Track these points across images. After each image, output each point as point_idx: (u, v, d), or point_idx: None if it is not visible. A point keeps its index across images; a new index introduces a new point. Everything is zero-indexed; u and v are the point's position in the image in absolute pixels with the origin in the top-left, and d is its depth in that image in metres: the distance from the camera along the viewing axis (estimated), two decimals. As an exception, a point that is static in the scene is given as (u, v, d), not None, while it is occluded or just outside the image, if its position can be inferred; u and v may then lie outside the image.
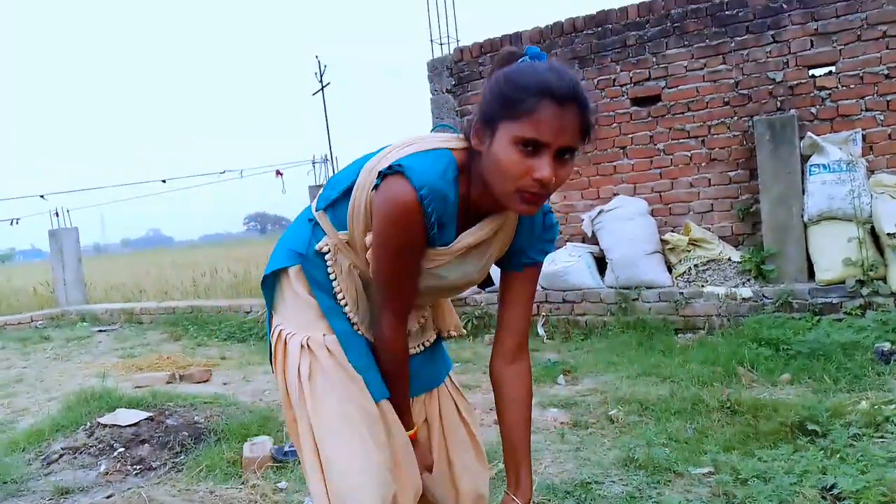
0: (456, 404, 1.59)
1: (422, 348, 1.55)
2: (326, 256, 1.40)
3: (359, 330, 1.42)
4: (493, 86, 1.20)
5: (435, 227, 1.25)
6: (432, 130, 1.44)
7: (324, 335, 1.39)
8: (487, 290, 2.01)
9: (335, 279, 1.40)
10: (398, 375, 1.42)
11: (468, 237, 1.33)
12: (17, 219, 9.90)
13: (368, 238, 1.33)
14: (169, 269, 15.93)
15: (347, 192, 1.37)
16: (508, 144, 1.15)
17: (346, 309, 1.41)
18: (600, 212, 5.77)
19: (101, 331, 8.36)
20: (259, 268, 10.33)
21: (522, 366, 1.48)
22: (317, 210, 1.44)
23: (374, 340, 1.42)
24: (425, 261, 1.33)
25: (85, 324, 8.89)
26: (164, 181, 10.11)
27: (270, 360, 1.48)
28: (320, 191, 1.48)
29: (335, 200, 1.40)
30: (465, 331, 1.65)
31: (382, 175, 1.25)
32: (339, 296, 1.41)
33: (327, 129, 17.41)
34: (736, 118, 5.51)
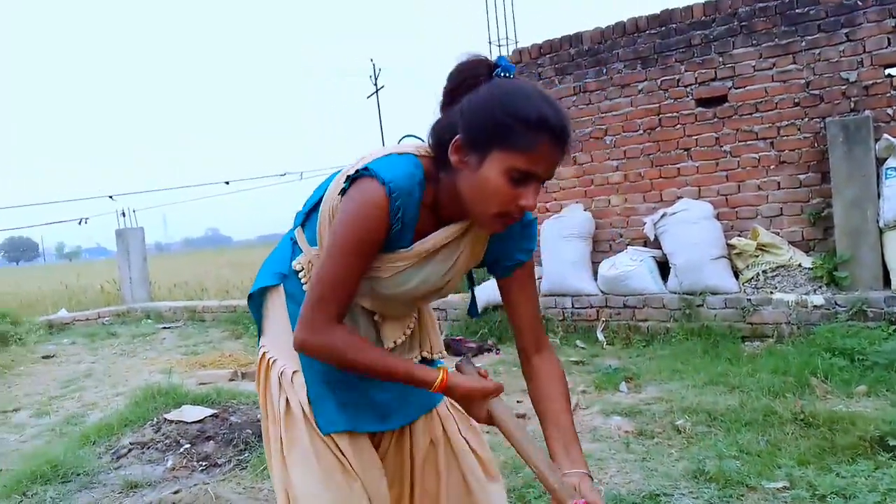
0: (456, 422, 1.56)
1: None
2: (300, 274, 1.42)
3: None
4: (486, 109, 1.18)
5: (399, 224, 1.25)
6: (399, 141, 1.43)
7: (294, 371, 1.40)
8: (475, 317, 1.94)
9: None
10: (364, 352, 1.30)
11: (428, 241, 1.32)
12: (86, 218, 10.26)
13: None
14: (228, 269, 16.29)
15: (317, 206, 1.39)
16: (500, 174, 1.17)
17: None
18: (663, 215, 5.64)
19: (165, 328, 8.59)
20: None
21: (546, 359, 1.45)
22: (294, 228, 1.47)
23: (296, 343, 1.32)
24: (385, 267, 1.32)
25: (150, 321, 9.15)
26: (227, 183, 10.34)
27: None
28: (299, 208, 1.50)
29: (307, 214, 1.43)
30: (445, 353, 1.61)
31: (351, 179, 1.26)
32: None
33: (381, 132, 17.57)
34: (807, 119, 5.32)
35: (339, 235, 1.25)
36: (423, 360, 1.53)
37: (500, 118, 1.16)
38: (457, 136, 1.21)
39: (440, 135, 1.27)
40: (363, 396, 1.42)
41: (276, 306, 1.47)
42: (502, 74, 1.24)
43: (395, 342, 1.46)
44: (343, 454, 1.38)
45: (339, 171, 1.40)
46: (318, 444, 1.38)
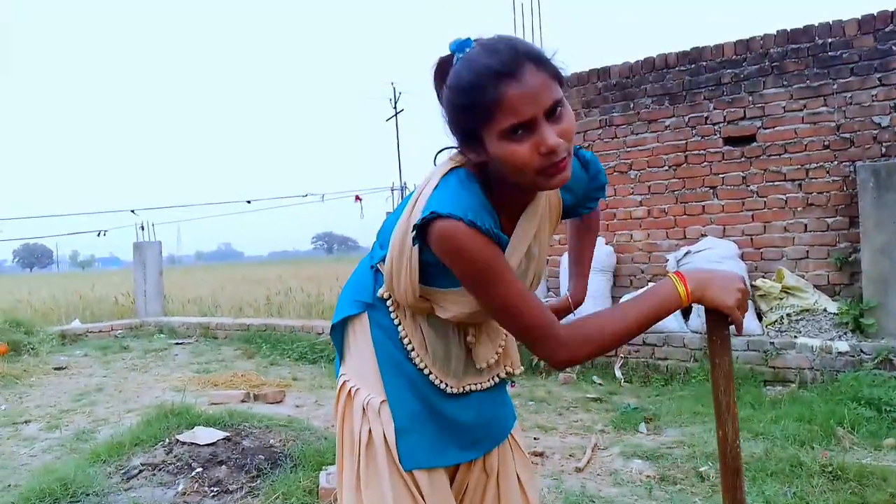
0: (515, 461, 1.51)
1: (493, 382, 1.46)
2: (388, 302, 1.37)
3: (430, 374, 1.36)
4: (447, 104, 1.19)
5: (498, 234, 1.19)
6: (436, 157, 1.38)
7: (381, 401, 1.35)
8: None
9: (399, 324, 1.37)
10: (612, 321, 1.22)
11: (523, 230, 1.30)
12: (105, 231, 10.30)
13: (413, 291, 1.29)
14: (242, 285, 16.28)
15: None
16: (501, 142, 1.13)
17: (413, 354, 1.36)
18: (687, 252, 5.58)
19: (177, 343, 8.56)
20: (332, 290, 10.44)
21: (593, 219, 1.66)
22: (374, 259, 1.43)
23: (563, 365, 1.26)
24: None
25: (162, 335, 9.12)
26: (249, 202, 10.36)
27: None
28: (374, 240, 1.46)
29: (383, 245, 1.40)
30: (521, 367, 1.55)
31: (418, 228, 1.20)
32: (405, 341, 1.36)
33: (398, 156, 17.63)
34: (836, 163, 5.26)
35: (473, 277, 1.19)
36: (506, 376, 1.49)
37: (459, 101, 1.15)
38: (457, 143, 1.23)
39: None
40: (450, 424, 1.38)
41: (360, 334, 1.41)
42: (457, 58, 1.18)
43: (487, 362, 1.41)
44: (420, 493, 1.33)
45: (407, 199, 1.33)
46: (396, 480, 1.32)
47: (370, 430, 1.34)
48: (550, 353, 1.21)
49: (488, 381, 1.45)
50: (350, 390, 1.39)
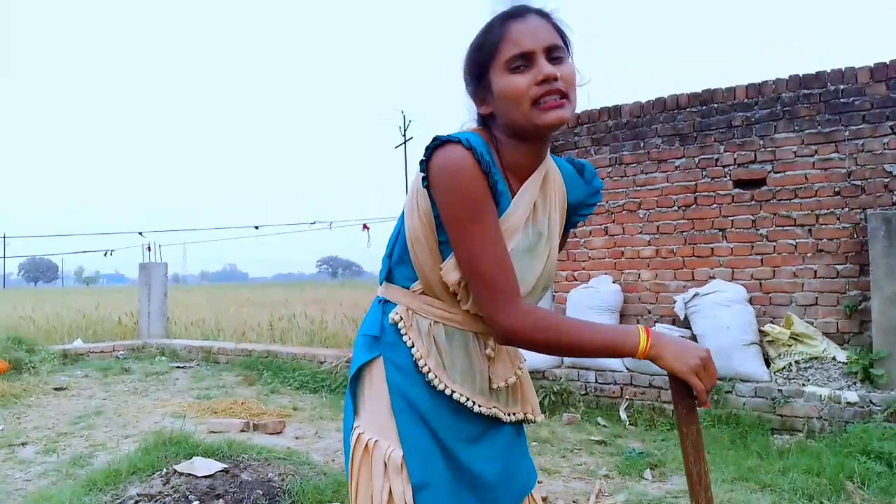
0: None
1: (513, 418, 1.42)
2: (399, 325, 1.34)
3: (453, 393, 1.32)
4: (465, 58, 1.31)
5: (492, 176, 1.22)
6: None
7: (402, 455, 1.30)
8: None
9: (413, 346, 1.32)
10: (573, 323, 1.24)
11: (525, 190, 1.31)
12: (112, 250, 10.31)
13: (434, 254, 1.29)
14: (246, 308, 16.24)
15: (399, 241, 1.36)
16: (503, 75, 1.23)
17: (431, 376, 1.31)
18: (695, 295, 5.53)
19: (178, 367, 8.51)
20: (335, 317, 10.40)
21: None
22: (380, 285, 1.41)
23: (508, 342, 1.27)
24: (505, 239, 1.27)
25: (164, 358, 9.08)
26: (256, 227, 10.38)
27: (347, 461, 1.38)
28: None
29: (391, 255, 1.39)
30: (542, 415, 1.51)
31: (424, 161, 1.24)
32: (421, 363, 1.31)
33: (406, 184, 17.70)
34: (847, 209, 5.23)
35: (456, 209, 1.21)
36: (525, 421, 1.46)
37: (472, 49, 1.29)
38: (471, 93, 1.32)
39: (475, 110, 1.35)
40: (471, 478, 1.33)
41: (375, 380, 1.36)
42: None
43: (505, 381, 1.38)
44: None
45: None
46: None
47: (391, 489, 1.29)
48: (499, 318, 1.23)
49: (508, 415, 1.40)
50: (367, 443, 1.33)
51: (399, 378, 1.33)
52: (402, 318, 1.34)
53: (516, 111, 1.23)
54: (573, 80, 1.25)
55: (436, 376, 1.32)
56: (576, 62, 1.31)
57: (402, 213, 1.37)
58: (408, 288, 1.35)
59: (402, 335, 1.34)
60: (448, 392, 1.32)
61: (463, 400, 1.33)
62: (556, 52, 1.23)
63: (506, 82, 1.22)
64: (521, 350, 1.42)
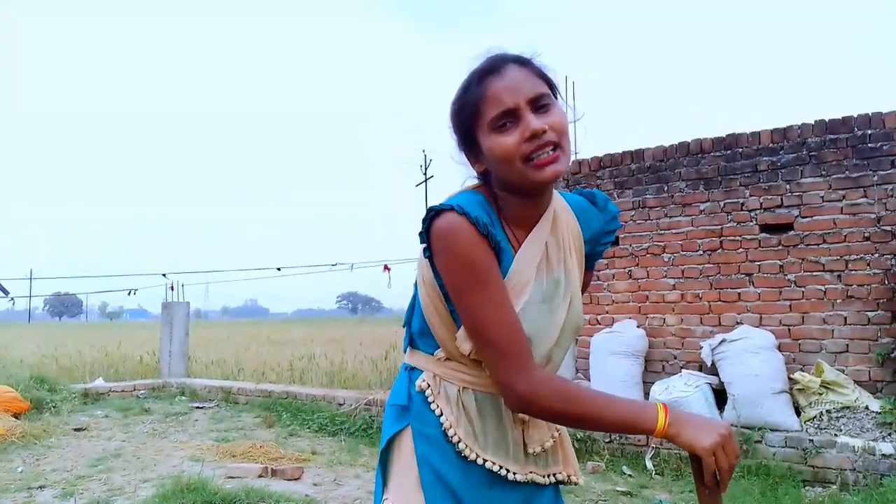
0: None
1: (551, 480, 1.35)
2: (427, 393, 1.30)
3: (485, 462, 1.27)
4: (449, 118, 1.28)
5: (492, 236, 1.19)
6: None
7: None
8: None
9: (442, 415, 1.28)
10: (590, 394, 1.19)
11: (533, 242, 1.27)
12: (135, 290, 10.40)
13: (446, 321, 1.27)
14: (266, 346, 16.24)
15: (417, 310, 1.34)
16: (490, 135, 1.19)
17: (462, 446, 1.26)
18: (722, 341, 5.42)
19: (198, 407, 8.48)
20: (355, 357, 10.35)
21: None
22: (405, 353, 1.38)
23: (522, 411, 1.22)
24: (515, 296, 1.23)
25: (184, 398, 9.06)
26: (278, 269, 10.42)
27: None
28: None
29: (410, 323, 1.36)
30: (582, 477, 1.45)
31: (423, 233, 1.23)
32: (450, 433, 1.27)
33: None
34: (877, 255, 5.13)
35: (456, 276, 1.19)
36: (566, 482, 1.41)
37: (455, 110, 1.25)
38: (463, 155, 1.30)
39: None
40: None
41: (404, 451, 1.31)
42: None
43: (542, 446, 1.33)
44: None
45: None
46: None
47: None
48: (512, 384, 1.17)
49: (546, 476, 1.34)
50: None
51: (428, 449, 1.28)
52: (429, 386, 1.31)
53: (509, 171, 1.20)
54: (563, 126, 1.20)
55: (466, 445, 1.27)
56: (566, 100, 1.31)
57: (416, 282, 1.35)
58: (432, 354, 1.32)
59: (430, 403, 1.30)
60: (480, 461, 1.27)
61: (496, 469, 1.28)
62: (542, 100, 1.19)
63: (493, 143, 1.19)
64: None
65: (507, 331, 1.17)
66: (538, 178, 1.18)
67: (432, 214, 1.20)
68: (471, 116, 1.22)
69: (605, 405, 1.17)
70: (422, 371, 1.33)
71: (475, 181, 1.33)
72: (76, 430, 7.05)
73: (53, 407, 7.82)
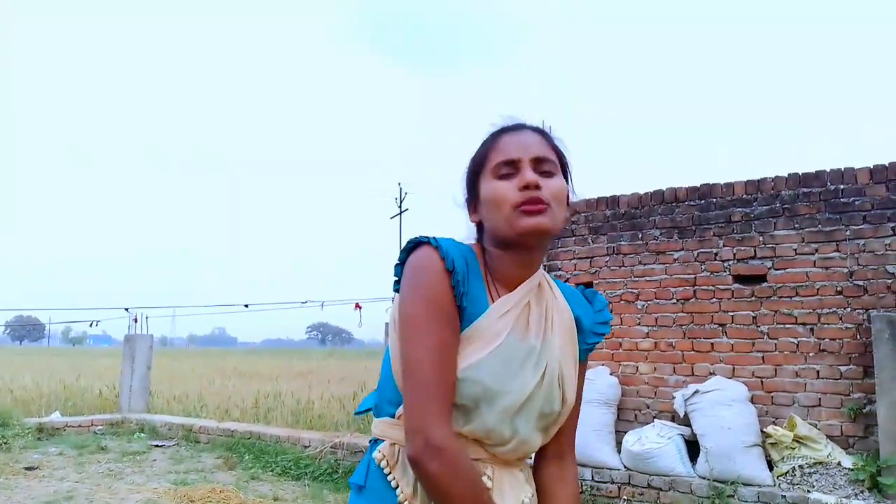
0: None
1: None
2: (382, 465, 1.23)
3: None
4: (463, 173, 1.32)
5: (458, 273, 1.17)
6: None
7: None
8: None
9: (398, 488, 1.20)
10: (466, 496, 1.11)
11: (513, 297, 1.25)
12: (97, 321, 10.11)
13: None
14: (231, 379, 15.91)
15: (384, 362, 1.30)
16: (490, 181, 1.23)
17: None
18: (696, 392, 5.37)
19: (157, 445, 8.20)
20: (322, 397, 10.14)
21: (569, 468, 1.38)
22: (373, 426, 1.31)
23: (417, 463, 1.12)
24: (475, 347, 1.18)
25: (143, 435, 8.77)
26: (246, 306, 10.24)
27: None
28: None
29: (382, 383, 1.30)
30: None
31: (398, 265, 1.25)
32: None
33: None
34: (850, 309, 5.14)
35: (409, 307, 1.17)
36: None
37: (469, 162, 1.31)
38: (465, 203, 1.33)
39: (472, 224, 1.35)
40: None
41: None
42: None
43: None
44: None
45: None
46: None
47: None
48: (429, 427, 1.11)
49: None
50: None
51: None
52: (384, 457, 1.23)
53: (498, 215, 1.21)
54: (560, 194, 1.22)
55: None
56: (573, 183, 1.30)
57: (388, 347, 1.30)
58: (393, 416, 1.24)
59: (387, 475, 1.22)
60: None
61: None
62: (545, 164, 1.23)
63: (490, 187, 1.23)
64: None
65: (440, 376, 1.13)
66: (521, 225, 1.18)
67: (410, 246, 1.22)
68: (478, 164, 1.28)
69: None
70: (381, 442, 1.27)
71: (471, 240, 1.35)
72: (27, 468, 6.75)
73: (5, 443, 7.51)
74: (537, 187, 1.19)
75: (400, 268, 1.24)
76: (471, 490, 1.12)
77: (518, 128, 1.28)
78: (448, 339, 1.15)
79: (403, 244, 1.25)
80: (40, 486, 6.15)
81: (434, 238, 1.21)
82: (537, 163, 1.22)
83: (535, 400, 1.23)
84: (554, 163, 1.25)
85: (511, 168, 1.22)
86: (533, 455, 1.36)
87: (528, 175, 1.20)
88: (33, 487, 6.06)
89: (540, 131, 1.29)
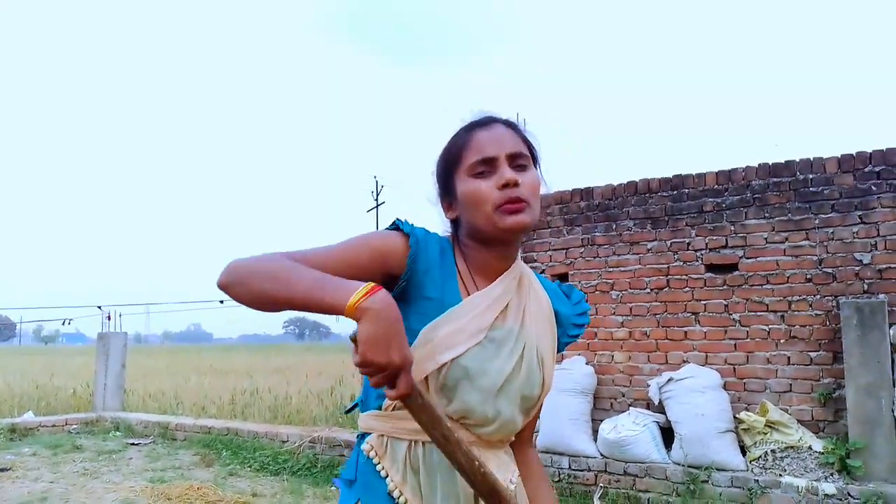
0: None
1: None
2: (371, 456, 1.25)
3: None
4: (434, 166, 1.34)
5: (422, 259, 1.22)
6: None
7: None
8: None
9: (388, 477, 1.23)
10: (273, 276, 1.09)
11: (498, 286, 1.28)
12: (70, 319, 9.98)
13: None
14: (208, 377, 15.78)
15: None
16: (466, 180, 1.24)
17: None
18: (669, 380, 5.44)
19: (133, 444, 8.13)
20: (300, 392, 10.10)
21: (534, 455, 1.46)
22: (359, 420, 1.32)
23: (221, 286, 1.14)
24: (467, 334, 1.21)
25: (118, 434, 8.68)
26: (221, 302, 10.15)
27: None
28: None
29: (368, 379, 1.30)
30: None
31: None
32: (395, 494, 1.22)
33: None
34: (819, 297, 5.24)
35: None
36: None
37: (441, 158, 1.32)
38: (439, 201, 1.34)
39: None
40: None
41: None
42: None
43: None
44: None
45: None
46: None
47: None
48: None
49: None
50: None
51: None
52: (372, 448, 1.25)
53: (479, 215, 1.24)
54: (536, 188, 1.26)
55: None
56: (543, 173, 1.32)
57: None
58: (380, 409, 1.26)
59: (376, 466, 1.24)
60: None
61: None
62: (520, 159, 1.25)
63: (468, 186, 1.24)
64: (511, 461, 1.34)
65: (309, 256, 1.15)
66: (504, 224, 1.21)
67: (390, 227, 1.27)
68: (452, 161, 1.28)
69: (296, 274, 1.08)
70: (369, 435, 1.28)
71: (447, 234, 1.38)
72: (0, 470, 6.65)
73: (-24, 445, 7.39)
74: (516, 185, 1.21)
75: None
76: (255, 279, 1.10)
77: (489, 122, 1.29)
78: (348, 252, 1.19)
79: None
80: (14, 487, 6.06)
81: (409, 224, 1.25)
82: (512, 158, 1.24)
83: (515, 381, 1.26)
84: (527, 156, 1.27)
85: (487, 166, 1.23)
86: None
87: (507, 174, 1.21)
88: (6, 489, 5.98)
89: (510, 124, 1.30)
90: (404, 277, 1.22)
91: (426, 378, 1.20)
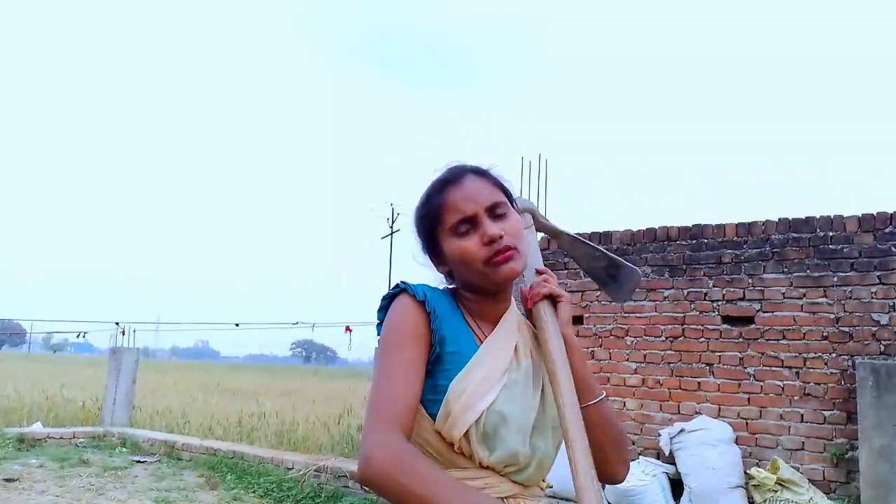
0: None
1: None
2: None
3: None
4: (413, 224, 1.37)
5: (431, 308, 1.24)
6: None
7: None
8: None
9: None
10: (434, 487, 1.04)
11: (494, 339, 1.29)
12: (84, 332, 10.06)
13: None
14: (215, 396, 15.80)
15: None
16: (451, 240, 1.27)
17: None
18: (681, 431, 5.41)
19: (139, 461, 8.14)
20: (307, 419, 10.09)
21: None
22: None
23: (362, 480, 1.09)
24: (491, 380, 1.22)
25: (125, 450, 8.70)
26: (237, 325, 10.21)
27: None
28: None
29: None
30: None
31: (381, 311, 1.30)
32: None
33: (389, 277, 17.65)
34: (835, 355, 5.22)
35: (381, 342, 1.23)
36: None
37: (418, 218, 1.35)
38: (428, 259, 1.37)
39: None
40: None
41: None
42: None
43: None
44: None
45: None
46: None
47: None
48: (364, 442, 1.11)
49: None
50: None
51: None
52: None
53: (471, 272, 1.28)
54: (519, 231, 1.29)
55: None
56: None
57: None
58: None
59: None
60: None
61: None
62: (498, 208, 1.28)
63: (454, 247, 1.27)
64: None
65: (390, 391, 1.16)
66: (498, 275, 1.25)
67: (391, 293, 1.29)
68: (433, 223, 1.31)
69: (450, 493, 1.04)
70: None
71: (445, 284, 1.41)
72: (6, 480, 6.68)
73: (-16, 453, 7.43)
74: (501, 237, 1.24)
75: (382, 314, 1.29)
76: (410, 482, 1.05)
77: (459, 176, 1.31)
78: (402, 364, 1.19)
79: (389, 285, 1.30)
80: (20, 498, 6.09)
81: (414, 287, 1.27)
82: (490, 210, 1.27)
83: (544, 416, 1.28)
84: (504, 202, 1.30)
85: (469, 224, 1.26)
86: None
87: (490, 229, 1.24)
88: (13, 500, 6.00)
89: (480, 172, 1.33)
90: (435, 342, 1.24)
91: (466, 433, 1.19)
